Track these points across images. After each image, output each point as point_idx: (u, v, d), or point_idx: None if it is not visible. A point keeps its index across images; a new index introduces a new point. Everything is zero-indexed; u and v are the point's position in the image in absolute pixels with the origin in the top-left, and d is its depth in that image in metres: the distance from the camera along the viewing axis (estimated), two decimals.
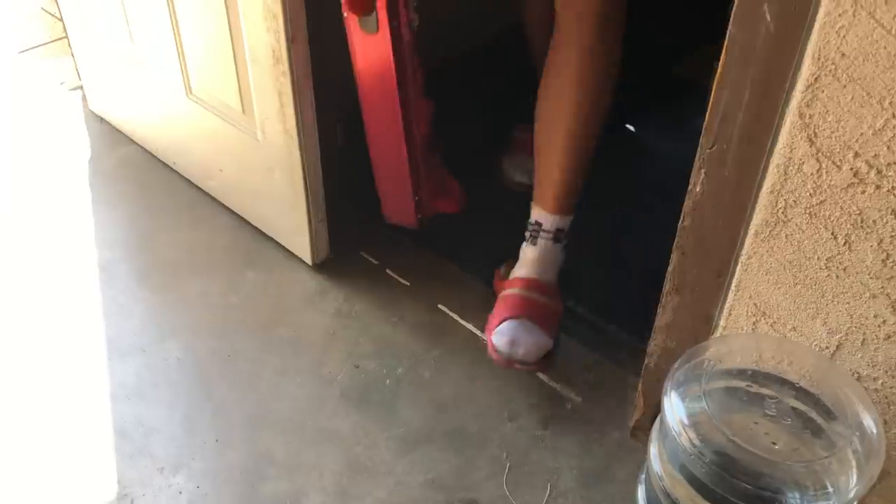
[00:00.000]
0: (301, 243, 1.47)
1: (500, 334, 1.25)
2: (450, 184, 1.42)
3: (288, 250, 1.50)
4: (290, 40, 1.19)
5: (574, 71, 1.21)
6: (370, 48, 1.14)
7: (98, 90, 1.78)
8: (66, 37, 1.79)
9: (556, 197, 1.28)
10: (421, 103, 1.27)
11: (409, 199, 1.30)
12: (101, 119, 1.80)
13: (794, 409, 0.87)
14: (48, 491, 1.16)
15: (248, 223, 1.55)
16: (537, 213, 1.30)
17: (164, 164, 1.68)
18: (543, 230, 1.29)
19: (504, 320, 1.26)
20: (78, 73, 1.82)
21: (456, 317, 1.39)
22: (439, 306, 1.41)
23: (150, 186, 1.65)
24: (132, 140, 1.74)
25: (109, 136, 1.77)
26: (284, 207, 1.43)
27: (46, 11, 2.16)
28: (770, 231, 0.88)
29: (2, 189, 1.66)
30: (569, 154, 1.25)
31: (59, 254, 1.51)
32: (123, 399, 1.27)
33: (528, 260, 1.31)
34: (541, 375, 1.30)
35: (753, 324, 0.95)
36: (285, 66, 1.21)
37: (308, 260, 1.47)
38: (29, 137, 1.79)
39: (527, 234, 1.31)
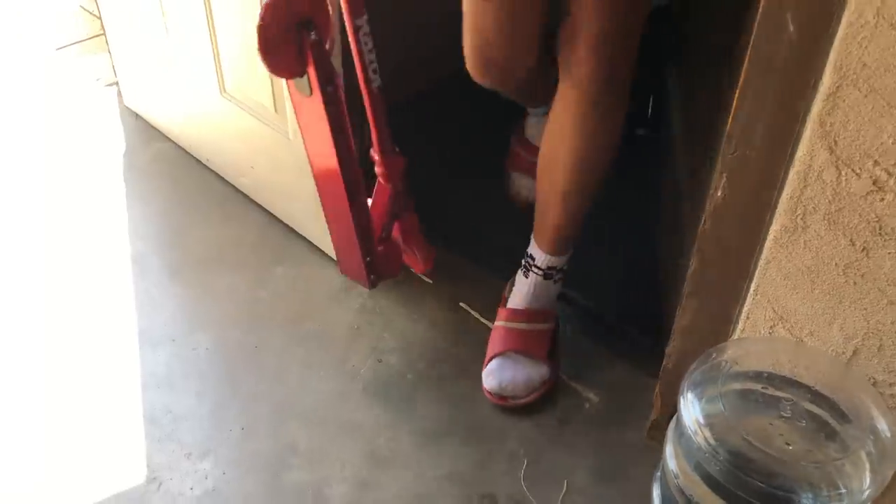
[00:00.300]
0: (328, 241, 1.50)
1: (488, 374, 1.29)
2: (420, 244, 1.37)
3: (316, 247, 1.53)
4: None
5: (569, 130, 1.20)
6: (307, 109, 1.09)
7: (133, 86, 1.83)
8: (104, 34, 1.83)
9: (549, 239, 1.29)
10: (390, 160, 1.23)
11: (359, 260, 1.24)
12: (136, 115, 1.85)
13: (808, 411, 0.88)
14: (81, 472, 1.20)
15: (278, 220, 1.58)
16: (533, 247, 1.32)
17: (196, 160, 1.72)
18: (535, 265, 1.31)
19: (492, 358, 1.29)
20: (114, 70, 1.87)
21: (477, 315, 1.42)
22: (461, 304, 1.44)
23: (183, 182, 1.69)
24: (166, 136, 1.78)
25: (144, 132, 1.81)
26: (313, 205, 1.46)
27: (84, 9, 2.21)
28: (789, 237, 0.90)
29: (39, 182, 1.71)
30: (564, 204, 1.25)
31: (93, 246, 1.56)
32: (154, 387, 1.30)
33: (519, 291, 1.33)
34: (561, 375, 1.32)
35: (771, 328, 0.97)
36: None
37: (335, 257, 1.50)
38: (66, 132, 1.84)
39: (523, 261, 1.33)
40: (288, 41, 1.00)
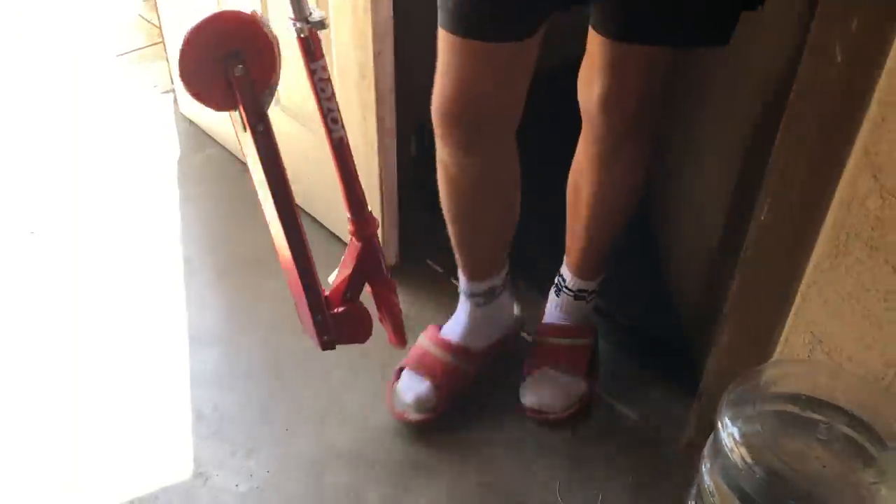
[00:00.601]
0: None
1: (526, 389, 1.30)
2: (392, 318, 1.20)
3: None
4: (377, 57, 1.26)
5: (591, 174, 1.20)
6: (245, 144, 1.01)
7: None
8: (162, 42, 1.90)
9: (577, 265, 1.30)
10: (360, 218, 1.11)
11: (308, 316, 1.11)
12: (190, 121, 1.91)
13: (845, 435, 0.89)
14: (132, 465, 1.24)
15: (324, 226, 1.62)
16: (564, 268, 1.33)
17: (247, 166, 1.77)
18: (566, 286, 1.32)
19: (530, 372, 1.31)
20: (171, 77, 1.93)
21: None
22: None
23: (233, 187, 1.74)
24: (218, 142, 1.84)
25: (197, 138, 1.87)
26: None
27: (143, 18, 2.29)
28: (830, 262, 0.91)
29: (96, 183, 1.77)
30: (589, 235, 1.26)
31: (147, 247, 1.62)
32: (202, 385, 1.35)
33: (553, 308, 1.35)
34: (598, 390, 1.34)
35: (809, 351, 0.98)
36: (371, 81, 1.28)
37: None
38: (123, 136, 1.91)
39: (556, 279, 1.34)
40: (215, 72, 0.93)
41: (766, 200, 0.95)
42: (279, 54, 0.97)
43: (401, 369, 1.33)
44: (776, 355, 1.03)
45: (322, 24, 0.99)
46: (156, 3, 1.93)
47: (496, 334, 1.34)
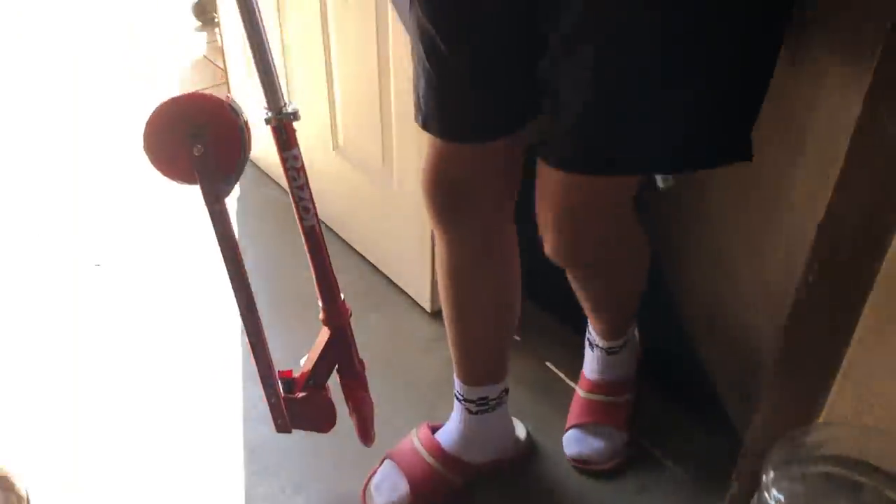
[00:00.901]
0: (422, 291, 1.57)
1: (569, 442, 1.31)
2: (360, 414, 1.18)
3: (410, 298, 1.60)
4: None
5: (579, 281, 1.19)
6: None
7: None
8: (226, 83, 1.98)
9: (598, 328, 1.31)
10: (331, 307, 1.11)
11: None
12: (251, 161, 1.97)
13: (891, 501, 0.89)
14: (184, 498, 1.28)
15: (376, 268, 1.67)
16: (589, 326, 1.34)
17: None
18: (596, 344, 1.33)
19: (571, 427, 1.32)
20: None
21: (562, 375, 1.46)
22: (547, 364, 1.48)
23: (290, 226, 1.78)
24: (276, 182, 1.90)
25: (257, 178, 1.94)
26: (410, 256, 1.54)
27: (208, 59, 2.39)
28: (881, 325, 0.91)
29: (160, 219, 1.84)
30: (598, 310, 1.26)
31: (204, 281, 1.68)
32: (254, 420, 1.39)
33: (589, 363, 1.36)
34: (642, 441, 1.34)
35: (859, 414, 0.98)
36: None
37: (427, 308, 1.58)
38: None
39: (586, 334, 1.35)
40: (178, 147, 0.95)
41: (814, 262, 0.96)
42: (248, 140, 0.96)
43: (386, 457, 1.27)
44: (823, 416, 1.02)
45: (295, 117, 0.98)
46: (221, 47, 2.02)
47: (493, 452, 1.26)
